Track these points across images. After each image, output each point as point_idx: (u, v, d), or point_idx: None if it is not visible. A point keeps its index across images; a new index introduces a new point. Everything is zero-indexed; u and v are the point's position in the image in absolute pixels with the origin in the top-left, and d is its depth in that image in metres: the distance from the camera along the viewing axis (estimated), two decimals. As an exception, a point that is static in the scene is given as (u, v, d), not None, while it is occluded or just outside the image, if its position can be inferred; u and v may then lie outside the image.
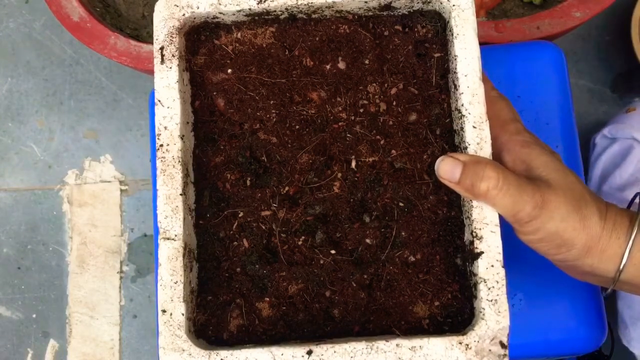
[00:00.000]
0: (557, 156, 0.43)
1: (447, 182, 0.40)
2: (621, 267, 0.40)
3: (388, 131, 0.43)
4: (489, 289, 0.39)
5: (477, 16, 0.78)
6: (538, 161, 0.41)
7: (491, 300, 0.39)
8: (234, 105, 0.44)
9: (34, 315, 0.96)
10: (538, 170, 0.41)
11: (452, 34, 0.42)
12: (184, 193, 0.41)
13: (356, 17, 0.44)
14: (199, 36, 0.45)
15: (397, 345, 0.38)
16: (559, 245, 0.40)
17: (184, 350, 0.39)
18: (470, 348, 0.38)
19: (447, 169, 0.40)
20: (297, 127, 0.43)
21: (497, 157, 0.43)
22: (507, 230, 0.42)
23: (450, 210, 0.42)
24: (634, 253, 0.40)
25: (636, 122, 0.68)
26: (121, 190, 0.98)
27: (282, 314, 0.41)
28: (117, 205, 0.98)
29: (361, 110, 0.43)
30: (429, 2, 0.43)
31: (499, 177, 0.38)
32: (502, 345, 0.38)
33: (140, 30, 0.81)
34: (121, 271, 0.96)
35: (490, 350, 0.38)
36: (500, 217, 0.40)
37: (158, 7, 0.43)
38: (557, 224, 0.39)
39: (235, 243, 0.42)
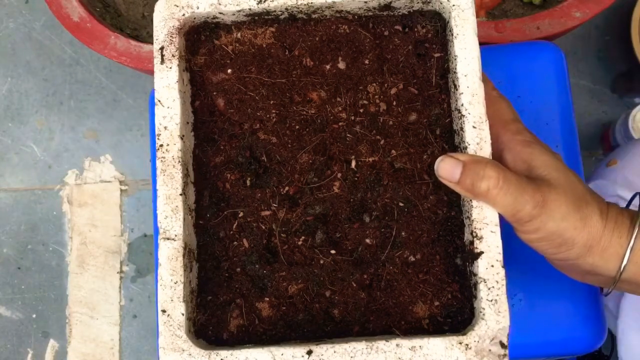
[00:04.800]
0: (558, 156, 0.43)
1: (446, 182, 0.40)
2: (622, 265, 0.40)
3: (388, 131, 0.43)
4: (489, 289, 0.39)
5: (477, 16, 0.78)
6: (539, 161, 0.41)
7: (491, 300, 0.39)
8: (234, 105, 0.44)
9: (34, 315, 0.96)
10: (539, 170, 0.41)
11: (452, 34, 0.42)
12: (184, 193, 0.41)
13: (356, 17, 0.44)
14: (199, 36, 0.45)
15: (397, 345, 0.38)
16: (559, 244, 0.40)
17: (184, 350, 0.39)
18: (470, 348, 0.38)
19: (447, 168, 0.40)
20: (297, 127, 0.43)
21: (498, 156, 0.43)
22: (507, 231, 0.42)
23: (450, 210, 0.42)
24: (635, 251, 0.40)
25: (619, 177, 0.64)
26: (121, 190, 0.98)
27: (282, 314, 0.41)
28: (117, 205, 0.98)
29: (361, 110, 0.43)
30: (429, 2, 0.43)
31: (499, 177, 0.38)
32: (502, 345, 0.38)
33: (140, 30, 0.81)
34: (121, 271, 0.96)
35: (490, 350, 0.38)
36: (500, 217, 0.40)
37: (158, 7, 0.43)
38: (558, 223, 0.39)
39: (235, 243, 0.43)
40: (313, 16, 0.44)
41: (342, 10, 0.44)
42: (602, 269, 0.41)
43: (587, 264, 0.41)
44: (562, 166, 0.42)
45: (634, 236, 0.40)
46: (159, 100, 0.42)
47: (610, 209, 0.41)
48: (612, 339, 0.74)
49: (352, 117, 0.43)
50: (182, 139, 0.42)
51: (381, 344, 0.38)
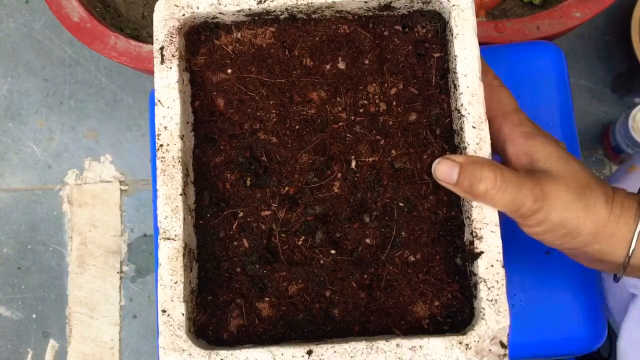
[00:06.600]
0: (561, 145, 0.42)
1: (444, 184, 0.40)
2: (630, 251, 0.40)
3: (388, 131, 0.43)
4: (489, 288, 0.39)
5: (477, 16, 0.78)
6: (541, 153, 0.41)
7: (491, 300, 0.39)
8: (234, 105, 0.44)
9: (34, 315, 0.96)
10: (541, 162, 0.41)
11: (452, 34, 0.42)
12: (184, 193, 0.41)
13: (356, 17, 0.44)
14: (199, 36, 0.45)
15: (397, 345, 0.38)
16: (564, 235, 0.40)
17: (184, 350, 0.39)
18: (470, 348, 0.38)
19: (444, 170, 0.40)
20: (297, 127, 0.43)
21: (501, 149, 0.43)
22: (507, 230, 0.42)
23: (450, 210, 0.42)
24: None
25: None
26: (121, 190, 0.98)
27: (282, 314, 0.41)
28: (117, 205, 0.98)
29: (361, 110, 0.43)
30: (429, 2, 0.43)
31: (497, 177, 0.38)
32: (502, 345, 0.38)
33: (140, 30, 0.81)
34: (121, 271, 0.96)
35: (490, 350, 0.38)
36: (501, 214, 0.40)
37: (158, 7, 0.43)
38: (561, 214, 0.39)
39: (235, 243, 0.43)
40: (313, 16, 0.44)
41: (342, 10, 0.44)
42: (610, 256, 0.41)
43: (595, 251, 0.41)
44: (564, 155, 0.41)
45: None
46: (159, 100, 0.42)
47: (616, 194, 0.41)
48: (611, 339, 0.74)
49: (352, 117, 0.43)
50: (182, 139, 0.42)
51: (381, 344, 0.38)
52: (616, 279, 0.44)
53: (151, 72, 0.60)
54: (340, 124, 0.43)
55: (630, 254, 0.40)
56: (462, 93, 0.41)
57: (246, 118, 0.44)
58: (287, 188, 0.43)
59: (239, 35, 0.45)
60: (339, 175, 0.43)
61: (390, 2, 0.43)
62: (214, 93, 0.44)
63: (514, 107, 0.43)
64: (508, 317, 0.38)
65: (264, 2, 0.43)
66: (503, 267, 0.39)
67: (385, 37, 0.44)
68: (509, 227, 0.42)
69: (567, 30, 0.70)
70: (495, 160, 0.41)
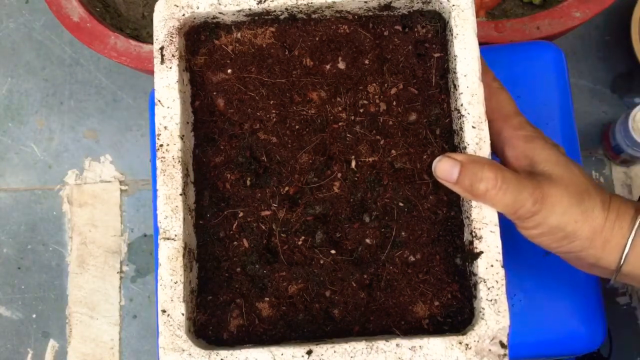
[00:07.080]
0: (561, 149, 0.43)
1: (445, 182, 0.40)
2: (623, 257, 0.40)
3: (388, 131, 0.43)
4: (489, 288, 0.39)
5: (477, 16, 0.78)
6: (541, 156, 0.41)
7: (491, 300, 0.39)
8: (234, 105, 0.44)
9: (34, 315, 0.96)
10: (540, 165, 0.41)
11: (452, 34, 0.42)
12: (184, 193, 0.41)
13: (356, 17, 0.44)
14: (198, 36, 0.45)
15: (397, 345, 0.38)
16: (561, 238, 0.40)
17: (184, 350, 0.39)
18: (470, 348, 0.38)
19: (444, 168, 0.40)
20: (297, 127, 0.43)
21: (500, 152, 0.43)
22: (506, 231, 0.42)
23: (450, 210, 0.42)
24: (636, 243, 0.40)
25: None
26: (121, 190, 0.98)
27: (282, 314, 0.41)
28: (117, 205, 0.98)
29: (361, 110, 0.44)
30: (429, 2, 0.43)
31: (497, 178, 0.38)
32: (502, 345, 0.38)
33: (140, 30, 0.81)
34: (121, 271, 0.96)
35: (490, 350, 0.38)
36: (500, 217, 0.40)
37: (158, 7, 0.43)
38: (559, 218, 0.39)
39: (235, 243, 0.43)
40: (313, 16, 0.44)
41: (342, 10, 0.44)
42: (604, 261, 0.41)
43: (590, 256, 0.41)
44: (563, 160, 0.41)
45: (635, 227, 0.40)
46: (159, 100, 0.42)
47: (612, 200, 0.41)
48: (611, 340, 0.74)
49: (352, 117, 0.43)
50: (182, 139, 0.42)
51: (381, 344, 0.38)
52: (609, 284, 0.44)
53: (151, 72, 0.60)
54: (340, 124, 0.43)
55: (622, 260, 0.40)
56: (462, 93, 0.41)
57: (246, 118, 0.44)
58: (287, 188, 0.43)
59: (239, 35, 0.45)
60: (339, 175, 0.43)
61: (390, 2, 0.43)
62: (214, 93, 0.44)
63: (514, 110, 0.43)
64: (508, 317, 0.38)
65: (264, 2, 0.43)
66: (503, 267, 0.39)
67: (385, 37, 0.44)
68: (508, 228, 0.42)
69: (567, 30, 0.70)
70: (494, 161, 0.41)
